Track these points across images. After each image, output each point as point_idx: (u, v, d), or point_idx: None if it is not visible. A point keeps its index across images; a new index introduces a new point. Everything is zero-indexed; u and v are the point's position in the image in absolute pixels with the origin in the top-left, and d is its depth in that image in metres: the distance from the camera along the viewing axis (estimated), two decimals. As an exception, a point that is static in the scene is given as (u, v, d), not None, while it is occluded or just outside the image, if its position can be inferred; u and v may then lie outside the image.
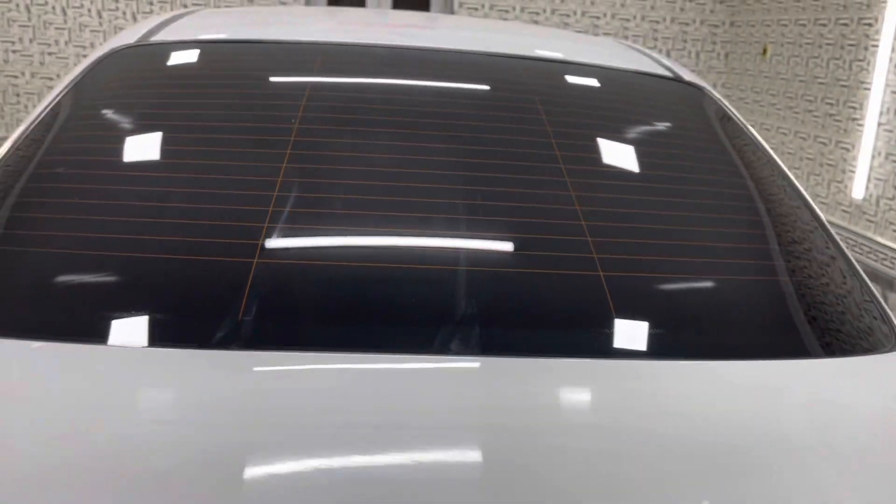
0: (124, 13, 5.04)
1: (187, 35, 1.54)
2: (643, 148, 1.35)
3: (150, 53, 1.46)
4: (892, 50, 3.85)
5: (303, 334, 1.00)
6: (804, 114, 4.55)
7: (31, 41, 5.03)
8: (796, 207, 1.34)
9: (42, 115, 1.30)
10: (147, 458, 0.78)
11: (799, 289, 1.18)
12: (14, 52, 5.04)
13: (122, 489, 0.74)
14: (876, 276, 3.93)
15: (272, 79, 1.43)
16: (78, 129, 1.28)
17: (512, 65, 1.52)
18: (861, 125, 4.04)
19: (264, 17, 1.87)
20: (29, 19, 5.00)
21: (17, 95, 5.11)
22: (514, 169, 1.26)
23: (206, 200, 1.14)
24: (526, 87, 1.44)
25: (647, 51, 1.83)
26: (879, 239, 3.94)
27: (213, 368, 0.92)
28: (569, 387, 0.97)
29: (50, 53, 5.06)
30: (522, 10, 5.28)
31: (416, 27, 1.81)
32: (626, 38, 5.40)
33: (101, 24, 5.04)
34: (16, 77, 5.08)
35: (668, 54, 5.45)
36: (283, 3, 5.17)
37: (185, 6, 5.08)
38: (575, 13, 5.33)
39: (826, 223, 1.33)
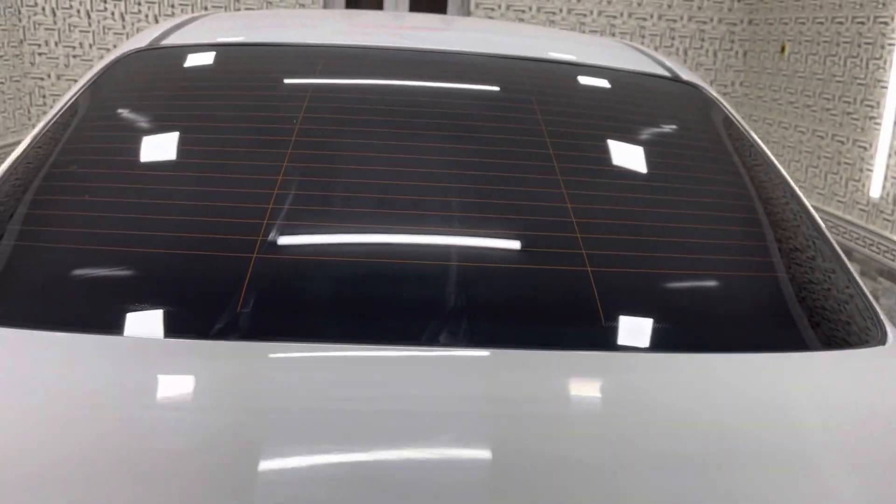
0: (146, 16, 5.14)
1: (197, 39, 1.59)
2: (639, 147, 1.38)
3: (161, 57, 1.51)
4: (910, 48, 3.82)
5: (316, 326, 1.03)
6: (822, 112, 4.52)
7: (56, 44, 5.14)
8: (788, 205, 1.36)
9: (57, 116, 1.35)
10: (160, 443, 0.81)
11: (787, 284, 1.20)
12: (40, 54, 5.15)
13: (133, 475, 0.77)
14: (893, 275, 3.90)
15: (276, 81, 1.47)
16: (89, 130, 1.34)
17: (510, 66, 1.55)
18: (878, 123, 4.02)
19: (275, 20, 1.92)
20: (54, 22, 5.11)
21: (43, 97, 5.22)
22: (511, 168, 1.29)
23: (210, 198, 1.19)
24: (523, 89, 1.47)
25: (647, 50, 1.85)
26: (896, 238, 3.92)
27: (225, 358, 0.95)
28: (571, 378, 1.00)
29: (75, 56, 5.17)
30: (539, 9, 5.30)
31: (419, 29, 1.84)
32: (642, 37, 5.39)
33: (123, 26, 5.14)
34: (42, 79, 5.19)
35: (685, 53, 5.44)
36: (301, 5, 5.23)
37: (206, 8, 5.16)
38: (591, 12, 5.33)
39: (817, 219, 1.35)
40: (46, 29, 5.11)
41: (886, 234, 3.96)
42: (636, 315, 1.09)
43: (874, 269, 4.02)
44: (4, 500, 0.74)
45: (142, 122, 1.35)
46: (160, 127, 1.32)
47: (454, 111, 1.40)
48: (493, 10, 5.28)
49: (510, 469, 0.82)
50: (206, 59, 1.51)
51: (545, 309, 1.10)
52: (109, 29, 5.13)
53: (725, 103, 1.59)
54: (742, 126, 1.52)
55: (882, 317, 1.18)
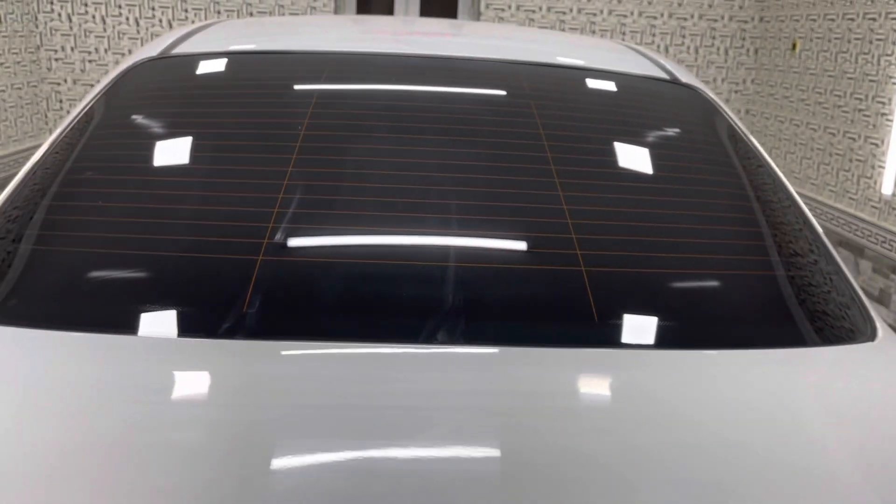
0: (160, 20, 5.20)
1: (207, 47, 1.62)
2: (637, 149, 1.40)
3: (171, 66, 1.55)
4: (921, 44, 3.80)
5: (323, 325, 1.06)
6: (833, 109, 4.51)
7: (72, 49, 5.21)
8: (782, 204, 1.37)
9: (73, 124, 1.40)
10: (172, 439, 0.84)
11: (778, 281, 1.22)
12: (56, 59, 5.23)
13: (146, 470, 0.79)
14: (905, 272, 3.89)
15: (284, 89, 1.51)
16: (103, 138, 1.38)
17: (510, 70, 1.58)
18: (890, 120, 4.00)
19: (284, 27, 1.95)
20: (70, 28, 5.18)
21: (60, 101, 5.30)
22: (512, 171, 1.31)
23: (219, 202, 1.23)
24: (522, 93, 1.50)
25: (647, 51, 1.87)
26: (908, 235, 3.90)
27: (234, 356, 0.98)
28: (575, 374, 1.03)
29: (90, 61, 5.24)
30: (549, 9, 5.31)
31: (423, 35, 1.87)
32: (653, 35, 5.39)
33: (138, 31, 5.20)
34: (58, 84, 5.27)
35: (696, 51, 5.43)
36: (313, 8, 5.27)
37: (218, 13, 5.22)
38: (602, 12, 5.34)
39: (810, 218, 1.37)
40: (63, 35, 5.18)
41: (898, 231, 3.94)
42: (634, 313, 1.12)
43: (886, 266, 4.00)
44: (22, 495, 0.77)
45: (153, 129, 1.39)
46: (171, 134, 1.36)
47: (454, 116, 1.43)
48: (503, 10, 5.30)
49: (518, 462, 0.84)
50: (216, 67, 1.54)
51: (550, 307, 1.13)
52: (124, 34, 5.20)
53: (723, 105, 1.61)
54: (739, 127, 1.54)
55: (872, 313, 1.20)
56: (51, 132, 5.33)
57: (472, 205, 1.24)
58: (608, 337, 1.09)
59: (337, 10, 5.35)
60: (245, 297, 1.05)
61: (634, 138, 1.43)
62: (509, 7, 5.31)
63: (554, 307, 1.13)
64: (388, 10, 5.45)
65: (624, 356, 1.05)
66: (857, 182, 4.28)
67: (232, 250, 1.13)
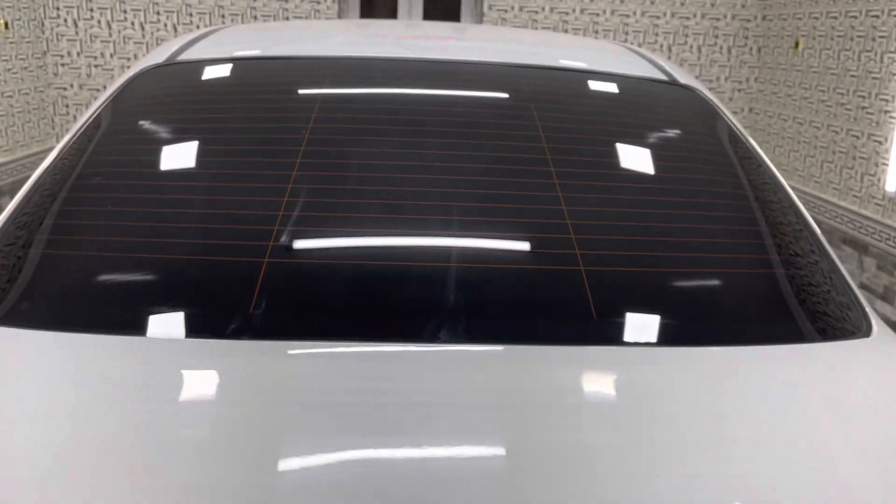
0: (165, 25, 5.23)
1: (212, 53, 1.65)
2: (637, 150, 1.42)
3: (177, 72, 1.58)
4: (923, 41, 3.80)
5: (327, 326, 1.08)
6: (836, 107, 4.52)
7: (78, 54, 5.25)
8: (779, 203, 1.39)
9: (81, 131, 1.42)
10: (181, 436, 0.86)
11: (774, 278, 1.24)
12: (63, 65, 5.27)
13: (156, 467, 0.81)
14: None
15: (289, 94, 1.53)
16: (111, 143, 1.40)
17: (511, 73, 1.60)
18: (893, 118, 4.00)
19: (289, 33, 1.96)
20: (76, 34, 5.22)
21: (66, 106, 5.34)
22: (513, 173, 1.33)
23: (224, 206, 1.25)
24: (523, 96, 1.52)
25: (646, 53, 1.88)
26: (912, 232, 3.90)
27: (241, 356, 1.00)
28: (577, 371, 1.05)
29: (96, 66, 5.28)
30: (552, 10, 5.33)
31: (425, 39, 1.89)
32: (655, 35, 5.40)
33: (143, 36, 5.24)
34: (64, 89, 5.31)
35: (699, 50, 5.44)
36: (317, 11, 5.30)
37: (223, 17, 5.25)
38: (604, 12, 5.36)
39: (805, 215, 1.39)
40: (69, 40, 5.22)
41: (902, 228, 3.95)
42: (633, 311, 1.14)
43: (890, 263, 4.01)
44: (34, 493, 0.79)
45: (160, 135, 1.41)
46: (177, 140, 1.38)
47: (456, 119, 1.45)
48: (506, 10, 5.32)
49: (523, 458, 0.85)
50: (222, 73, 1.57)
51: (552, 306, 1.14)
52: (130, 38, 5.23)
53: (722, 106, 1.63)
54: (737, 128, 1.56)
55: (867, 309, 1.22)
56: (57, 137, 5.37)
57: (474, 206, 1.26)
58: (609, 335, 1.10)
59: (340, 13, 5.37)
60: (252, 298, 1.08)
61: (633, 140, 1.45)
62: (512, 8, 5.33)
63: (556, 306, 1.14)
64: (392, 11, 5.47)
65: (624, 353, 1.07)
66: (860, 179, 4.28)
67: (239, 253, 1.16)
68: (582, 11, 5.34)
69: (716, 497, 0.83)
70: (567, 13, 5.34)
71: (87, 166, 1.33)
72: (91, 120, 1.44)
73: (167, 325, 1.07)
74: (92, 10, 5.17)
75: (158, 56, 1.64)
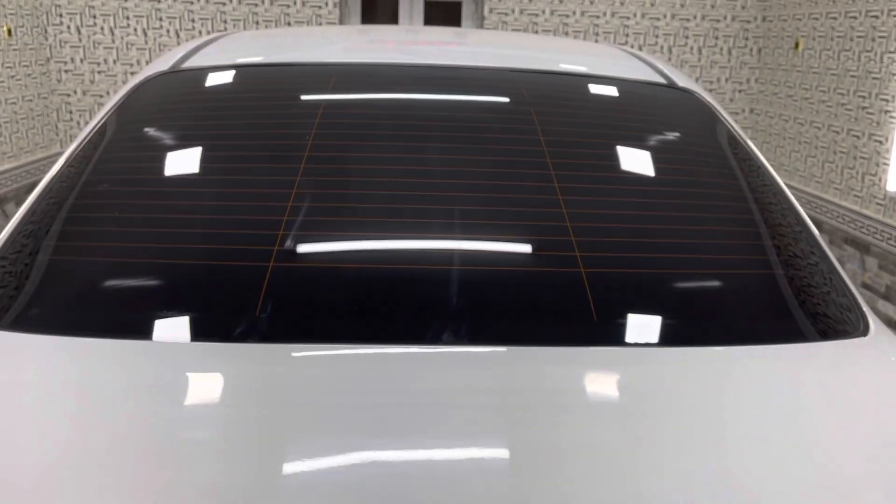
0: (168, 31, 5.26)
1: (216, 61, 1.67)
2: (636, 154, 1.43)
3: (182, 79, 1.60)
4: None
5: (332, 329, 1.10)
6: (837, 107, 4.53)
7: (81, 61, 5.28)
8: (777, 204, 1.41)
9: (88, 138, 1.44)
10: (188, 437, 0.88)
11: (772, 278, 1.25)
12: (66, 71, 5.30)
13: (164, 467, 0.83)
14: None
15: (292, 101, 1.55)
16: (117, 151, 1.42)
17: (510, 78, 1.61)
18: (894, 117, 4.02)
19: (291, 39, 1.98)
20: (79, 40, 5.25)
21: (70, 113, 5.37)
22: (513, 177, 1.35)
23: (230, 212, 1.27)
24: (523, 101, 1.54)
25: (645, 56, 1.90)
26: (913, 231, 3.91)
27: (247, 359, 1.02)
28: (578, 371, 1.06)
29: (100, 72, 5.31)
30: (552, 12, 5.35)
31: (426, 44, 1.91)
32: (656, 36, 5.42)
33: (146, 42, 5.27)
34: (68, 95, 5.34)
35: (699, 51, 5.46)
36: (318, 16, 5.32)
37: (225, 22, 5.28)
38: (605, 14, 5.38)
39: (803, 216, 1.40)
40: (72, 46, 5.25)
41: (904, 227, 3.96)
42: (632, 312, 1.16)
43: (892, 263, 4.02)
44: (41, 495, 0.80)
45: (166, 142, 1.43)
46: (182, 147, 1.40)
47: (458, 124, 1.47)
48: (506, 14, 5.34)
49: (526, 458, 0.87)
50: (226, 80, 1.59)
51: (554, 308, 1.16)
52: (132, 45, 5.26)
53: (720, 108, 1.64)
54: (735, 130, 1.58)
55: (865, 308, 1.24)
56: (61, 143, 5.40)
57: (476, 210, 1.28)
58: (608, 335, 1.12)
59: (342, 18, 5.40)
60: (258, 301, 1.09)
61: (632, 143, 1.46)
62: (513, 11, 5.35)
63: (558, 307, 1.16)
64: (393, 15, 5.50)
65: (624, 354, 1.09)
66: (861, 179, 4.29)
67: (244, 257, 1.17)
68: (582, 14, 5.36)
69: (717, 496, 0.85)
70: (567, 15, 5.36)
71: (93, 173, 1.35)
72: (97, 127, 1.46)
73: (175, 329, 1.08)
74: (95, 16, 5.21)
75: (163, 64, 1.66)
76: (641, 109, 1.60)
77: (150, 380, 0.98)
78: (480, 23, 5.43)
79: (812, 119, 4.81)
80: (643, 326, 1.14)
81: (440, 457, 0.87)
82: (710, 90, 5.54)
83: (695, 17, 5.41)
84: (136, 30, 5.24)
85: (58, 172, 1.37)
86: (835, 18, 4.55)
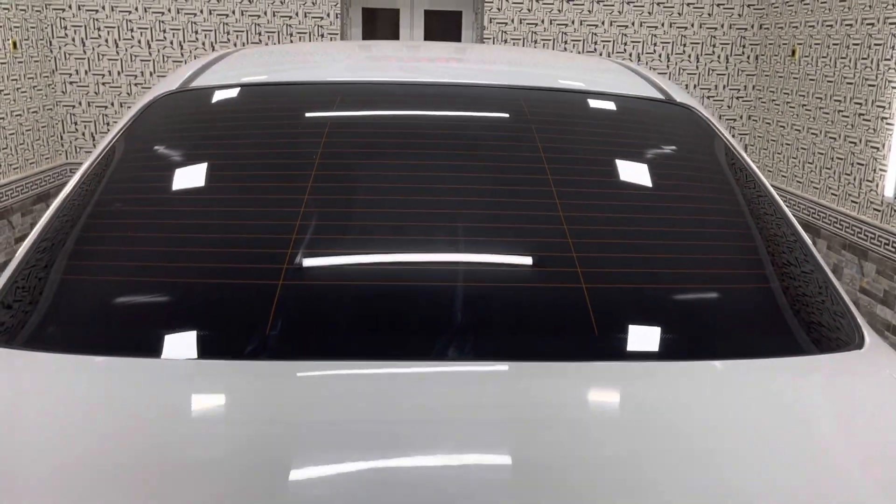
0: (171, 43, 5.31)
1: (223, 80, 1.69)
2: (634, 170, 1.46)
3: (190, 99, 1.62)
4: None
5: (340, 346, 1.12)
6: (834, 114, 4.57)
7: (86, 72, 5.33)
8: (773, 218, 1.43)
9: (98, 158, 1.47)
10: (198, 454, 0.89)
11: (768, 292, 1.27)
12: (71, 83, 5.35)
13: (175, 483, 0.85)
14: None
15: (299, 121, 1.57)
16: (127, 170, 1.45)
17: (510, 96, 1.64)
18: (890, 124, 4.05)
19: (297, 57, 2.00)
20: (84, 52, 5.30)
21: (75, 124, 5.42)
22: (513, 193, 1.38)
23: (239, 231, 1.30)
24: (523, 118, 1.56)
25: (643, 70, 1.92)
26: (910, 237, 3.94)
27: (257, 376, 1.04)
28: (580, 385, 1.08)
29: (104, 83, 5.36)
30: (551, 22, 5.40)
31: (428, 61, 1.94)
32: (654, 45, 5.46)
33: (150, 54, 5.32)
34: (73, 106, 5.39)
35: (697, 59, 5.50)
36: (320, 26, 5.37)
37: (228, 34, 5.32)
38: (603, 23, 5.42)
39: (799, 230, 1.42)
40: (76, 58, 5.30)
41: (901, 233, 3.99)
42: (633, 327, 1.17)
43: (890, 269, 4.05)
44: None
45: (175, 162, 1.46)
46: (191, 167, 1.42)
47: (460, 142, 1.49)
48: (506, 23, 5.39)
49: (530, 472, 0.89)
50: (233, 100, 1.61)
51: (557, 324, 1.18)
52: (136, 56, 5.31)
53: (717, 123, 1.67)
54: (732, 146, 1.60)
55: (860, 321, 1.25)
56: (67, 154, 5.45)
57: (480, 227, 1.31)
58: (608, 350, 1.14)
59: (343, 28, 5.45)
60: (267, 319, 1.12)
61: (631, 160, 1.49)
62: (512, 21, 5.39)
63: (559, 323, 1.18)
64: (394, 25, 5.54)
65: (623, 368, 1.11)
66: (859, 185, 4.33)
67: (254, 276, 1.20)
68: (581, 23, 5.40)
69: None
70: (566, 25, 5.40)
71: (104, 193, 1.37)
72: (108, 148, 1.49)
73: (187, 347, 1.10)
74: (99, 28, 5.26)
75: (171, 83, 1.69)
76: (640, 126, 1.62)
77: (162, 398, 1.00)
78: (480, 32, 5.47)
79: (809, 126, 4.84)
80: (643, 341, 1.16)
81: (445, 473, 0.89)
82: (708, 97, 5.58)
83: (692, 26, 5.45)
84: (140, 42, 5.29)
85: (70, 192, 1.39)
86: (831, 26, 4.59)
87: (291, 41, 5.36)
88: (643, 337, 1.17)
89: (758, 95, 5.53)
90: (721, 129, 1.65)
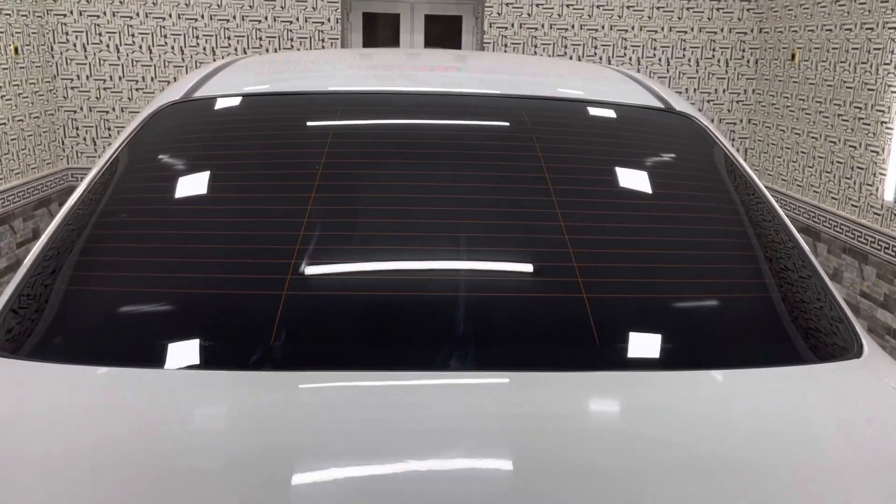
0: (172, 48, 5.33)
1: (226, 90, 1.69)
2: (635, 180, 1.47)
3: (193, 109, 1.63)
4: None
5: (344, 356, 1.13)
6: (833, 118, 4.58)
7: (87, 77, 5.35)
8: (772, 227, 1.44)
9: (103, 169, 1.48)
10: (203, 463, 0.90)
11: (767, 301, 1.28)
12: (73, 88, 5.36)
13: (182, 491, 0.86)
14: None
15: (302, 130, 1.57)
16: (131, 181, 1.45)
17: (513, 105, 1.64)
18: (890, 128, 4.06)
19: (299, 66, 2.01)
20: (85, 57, 5.31)
21: (76, 129, 5.43)
22: (520, 203, 1.38)
23: (243, 242, 1.31)
24: (526, 129, 1.57)
25: (643, 79, 1.92)
26: (910, 241, 3.95)
27: (261, 386, 1.05)
28: (581, 395, 1.09)
29: (105, 88, 5.37)
30: (551, 26, 5.41)
31: (429, 70, 1.95)
32: (654, 49, 5.48)
33: (151, 59, 5.33)
34: (74, 112, 5.40)
35: (697, 63, 5.51)
36: (320, 31, 5.38)
37: (229, 38, 5.34)
38: (602, 27, 5.43)
39: (798, 239, 1.43)
40: (78, 63, 5.32)
41: (901, 237, 4.00)
42: (634, 338, 1.18)
43: (890, 272, 4.06)
44: None
45: (179, 172, 1.46)
46: (195, 177, 1.43)
47: (462, 152, 1.50)
48: (506, 28, 5.40)
49: (531, 482, 0.89)
50: (236, 110, 1.62)
51: (559, 334, 1.19)
52: (138, 62, 5.33)
53: (717, 132, 1.67)
54: (732, 155, 1.60)
55: (859, 330, 1.26)
56: (68, 159, 5.46)
57: (483, 237, 1.32)
58: (608, 360, 1.15)
59: (343, 33, 5.46)
60: (272, 331, 1.13)
61: (631, 169, 1.50)
62: (512, 25, 5.41)
63: (561, 333, 1.19)
64: (394, 29, 5.55)
65: (623, 378, 1.11)
66: (859, 189, 4.34)
67: (258, 287, 1.21)
68: (581, 27, 5.42)
69: None
70: (566, 29, 5.42)
71: (109, 203, 1.38)
72: (112, 159, 1.50)
73: (193, 357, 1.12)
74: (100, 34, 5.27)
75: (175, 93, 1.69)
76: (640, 135, 1.63)
77: (166, 408, 1.01)
78: (480, 37, 5.48)
79: (809, 129, 4.86)
80: (643, 351, 1.17)
81: (448, 484, 0.90)
82: (708, 101, 5.59)
83: (692, 30, 5.46)
84: (140, 47, 5.31)
85: (76, 203, 1.40)
86: (830, 31, 4.60)
87: (292, 46, 5.37)
88: (643, 347, 1.17)
89: (758, 99, 5.55)
90: (721, 137, 1.66)
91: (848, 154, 4.44)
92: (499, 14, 5.39)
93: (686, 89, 5.55)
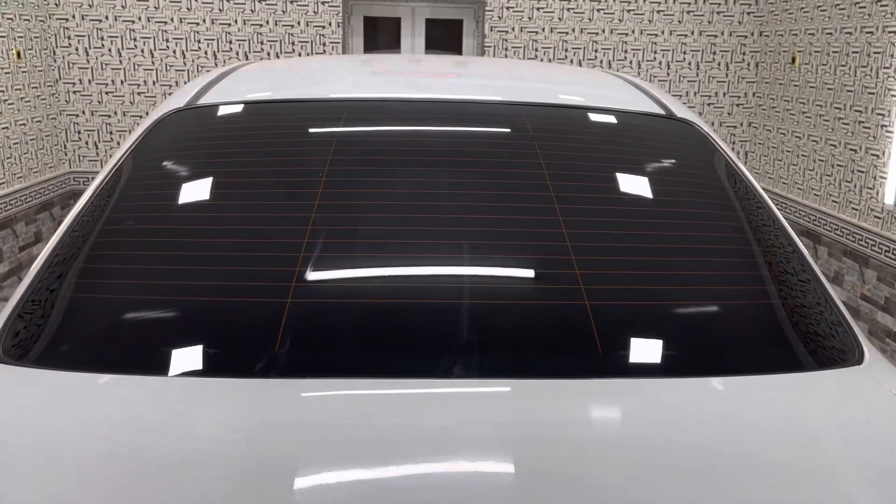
0: (174, 52, 5.34)
1: (230, 97, 1.70)
2: (636, 187, 1.47)
3: (198, 116, 1.63)
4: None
5: (349, 364, 1.14)
6: (834, 121, 4.59)
7: (89, 82, 5.36)
8: (773, 233, 1.44)
9: (108, 177, 1.48)
10: (207, 472, 0.91)
11: (769, 308, 1.28)
12: (75, 92, 5.37)
13: (182, 499, 0.87)
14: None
15: (306, 138, 1.58)
16: (136, 189, 1.46)
17: (514, 112, 1.65)
18: (890, 132, 4.07)
19: (302, 73, 2.02)
20: (87, 61, 5.33)
21: (78, 133, 5.45)
22: (523, 211, 1.39)
23: (248, 249, 1.31)
24: (527, 136, 1.57)
25: (643, 84, 1.93)
26: (910, 244, 3.96)
27: (266, 394, 1.06)
28: (582, 403, 1.09)
29: (107, 92, 5.39)
30: (552, 30, 5.42)
31: (431, 76, 1.96)
32: (654, 52, 5.49)
33: (153, 62, 5.35)
34: (76, 115, 5.42)
35: (697, 66, 5.52)
36: (322, 35, 5.39)
37: (230, 42, 5.35)
38: (603, 31, 5.45)
39: (800, 245, 1.44)
40: (80, 68, 5.33)
41: (901, 240, 4.01)
42: (636, 345, 1.19)
43: (890, 275, 4.07)
44: None
45: (183, 179, 1.47)
46: (200, 184, 1.44)
47: (465, 159, 1.51)
48: (507, 32, 5.41)
49: (533, 490, 0.90)
50: (240, 117, 1.63)
51: (561, 342, 1.20)
52: (140, 65, 5.34)
53: (717, 138, 1.68)
54: (733, 161, 1.61)
55: (860, 336, 1.27)
56: (70, 163, 5.47)
57: (487, 244, 1.32)
58: (611, 367, 1.16)
59: (344, 37, 5.47)
60: (276, 338, 1.14)
61: (633, 177, 1.50)
62: (513, 29, 5.42)
63: (563, 340, 1.20)
64: (395, 33, 5.56)
65: (623, 385, 1.12)
66: (859, 192, 4.35)
67: (263, 294, 1.22)
68: (581, 31, 5.43)
69: None
70: (567, 33, 5.43)
71: (114, 211, 1.39)
72: (117, 166, 1.50)
73: (198, 364, 1.12)
74: (102, 38, 5.29)
75: (179, 100, 1.70)
76: (641, 142, 1.64)
77: (171, 416, 1.02)
78: (481, 41, 5.50)
79: (809, 133, 4.87)
80: (645, 358, 1.17)
81: (450, 491, 0.90)
82: (709, 105, 5.60)
83: (692, 34, 5.48)
84: (142, 51, 5.32)
85: (81, 210, 1.41)
86: (830, 34, 4.62)
87: (293, 50, 5.39)
88: (645, 354, 1.18)
89: (758, 102, 5.56)
90: (721, 143, 1.66)
91: (848, 157, 4.45)
92: (499, 18, 5.41)
93: (686, 93, 5.56)
